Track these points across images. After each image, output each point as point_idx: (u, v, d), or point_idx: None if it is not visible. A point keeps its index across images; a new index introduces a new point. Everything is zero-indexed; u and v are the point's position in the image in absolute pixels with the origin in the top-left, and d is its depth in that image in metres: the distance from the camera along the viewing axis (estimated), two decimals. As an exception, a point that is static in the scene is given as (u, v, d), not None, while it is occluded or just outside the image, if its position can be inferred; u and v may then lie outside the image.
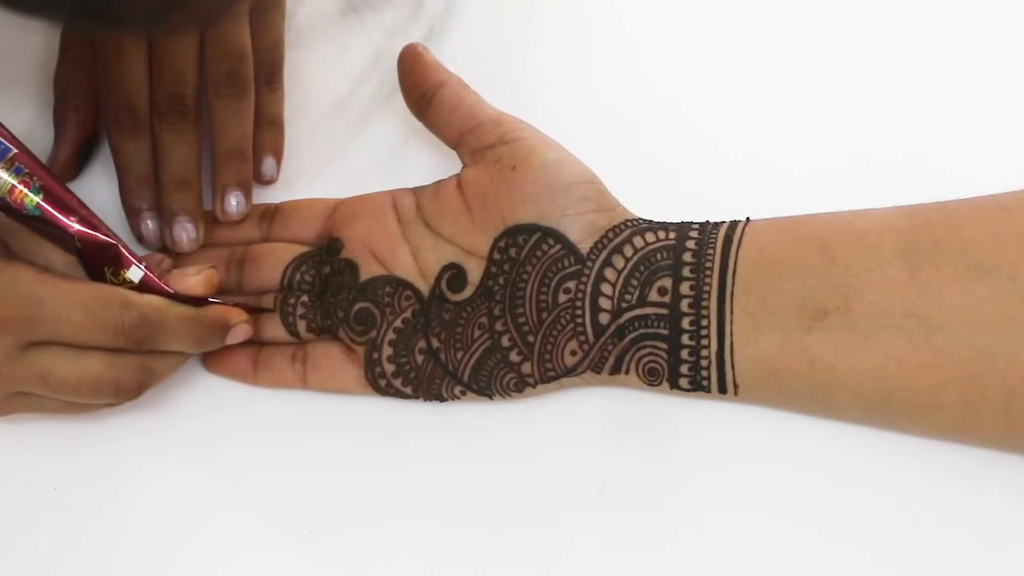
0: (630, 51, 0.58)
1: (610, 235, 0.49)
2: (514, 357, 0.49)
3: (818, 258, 0.46)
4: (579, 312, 0.48)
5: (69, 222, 0.47)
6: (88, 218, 0.47)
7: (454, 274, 0.50)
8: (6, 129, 0.47)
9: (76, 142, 0.55)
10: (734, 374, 0.47)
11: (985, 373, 0.44)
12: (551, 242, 0.49)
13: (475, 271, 0.50)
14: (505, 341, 0.49)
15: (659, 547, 0.48)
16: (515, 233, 0.49)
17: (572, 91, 0.56)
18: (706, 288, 0.47)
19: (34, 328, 0.46)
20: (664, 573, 0.48)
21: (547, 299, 0.49)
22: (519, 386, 0.49)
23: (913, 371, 0.45)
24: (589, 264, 0.48)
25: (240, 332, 0.49)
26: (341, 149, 0.56)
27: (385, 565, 0.49)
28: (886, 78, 0.56)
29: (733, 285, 0.47)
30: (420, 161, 0.55)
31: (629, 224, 0.49)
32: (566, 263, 0.49)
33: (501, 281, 0.49)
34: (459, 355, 0.49)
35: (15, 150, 0.46)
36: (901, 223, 0.46)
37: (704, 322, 0.47)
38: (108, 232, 0.48)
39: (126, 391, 0.47)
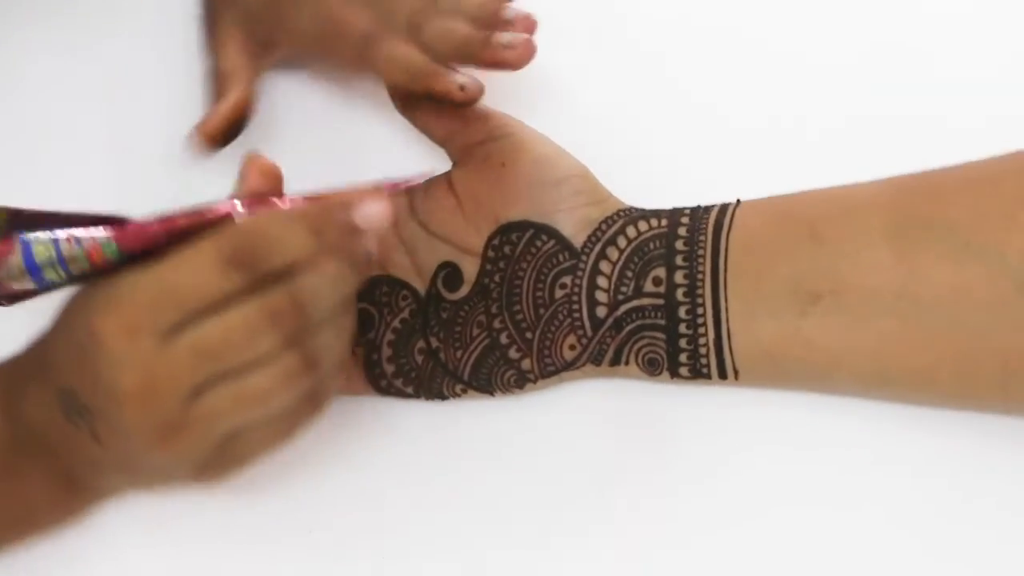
0: (610, 32, 0.58)
1: (603, 227, 0.49)
2: (513, 354, 0.49)
3: (806, 241, 0.46)
4: (576, 306, 0.48)
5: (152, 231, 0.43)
6: (143, 227, 0.43)
7: (449, 272, 0.50)
8: (44, 214, 0.44)
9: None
10: (733, 360, 0.47)
11: (980, 352, 0.44)
12: (545, 238, 0.49)
13: (470, 269, 0.50)
14: (504, 338, 0.49)
15: (661, 539, 0.48)
16: (508, 231, 0.49)
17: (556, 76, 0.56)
18: (700, 276, 0.47)
19: (160, 311, 0.41)
20: (667, 566, 0.48)
21: (544, 295, 0.49)
22: (519, 382, 0.49)
23: (908, 351, 0.45)
24: (584, 258, 0.49)
25: (375, 208, 0.43)
26: (337, 147, 0.56)
27: (385, 564, 0.49)
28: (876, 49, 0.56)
29: (726, 271, 0.47)
30: (417, 159, 0.55)
31: (621, 214, 0.49)
32: (561, 258, 0.49)
33: (497, 279, 0.49)
34: (458, 354, 0.49)
35: (64, 236, 0.43)
36: (887, 200, 0.46)
37: (700, 310, 0.47)
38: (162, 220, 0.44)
39: (285, 312, 0.41)
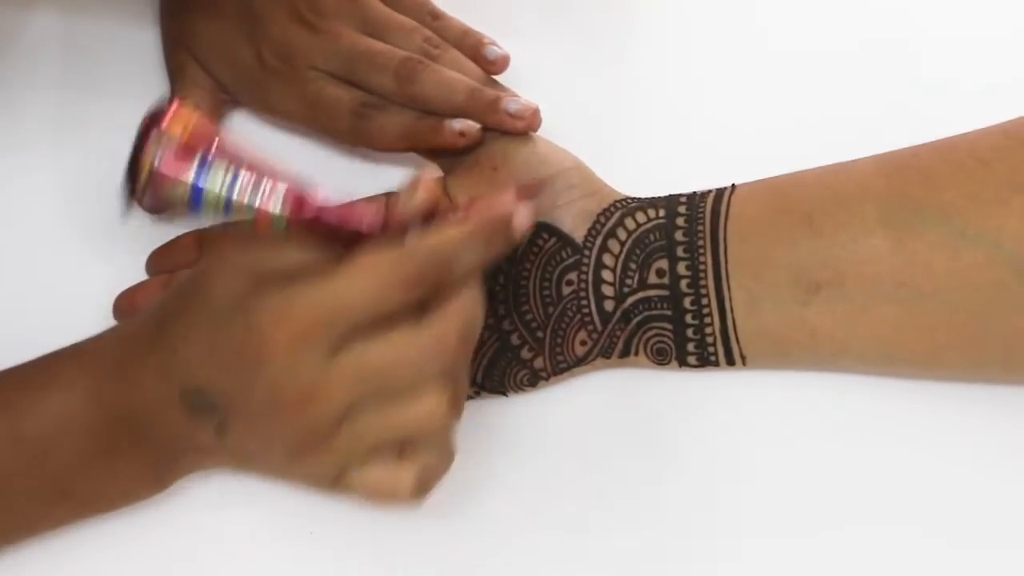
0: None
1: (602, 219, 0.49)
2: (525, 354, 0.49)
3: (803, 230, 0.47)
4: (584, 302, 0.49)
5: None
6: (323, 211, 0.44)
7: None
8: (231, 144, 0.44)
9: None
10: (740, 347, 0.48)
11: (982, 335, 0.46)
12: (546, 236, 0.49)
13: None
14: (515, 339, 0.49)
15: (660, 534, 0.49)
16: None
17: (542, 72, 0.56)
18: (702, 267, 0.48)
19: (333, 325, 0.42)
20: (665, 559, 0.49)
21: (551, 293, 0.49)
22: (532, 381, 0.50)
23: (912, 337, 0.46)
24: (586, 252, 0.49)
25: (524, 214, 0.44)
26: (331, 154, 0.56)
27: (384, 564, 0.49)
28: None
29: (727, 262, 0.48)
30: (409, 160, 0.54)
31: (618, 205, 0.50)
32: (564, 255, 0.49)
33: (501, 280, 0.49)
34: None
35: (247, 172, 0.43)
36: (880, 185, 0.47)
37: (704, 300, 0.48)
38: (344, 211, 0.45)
39: (451, 346, 0.42)
